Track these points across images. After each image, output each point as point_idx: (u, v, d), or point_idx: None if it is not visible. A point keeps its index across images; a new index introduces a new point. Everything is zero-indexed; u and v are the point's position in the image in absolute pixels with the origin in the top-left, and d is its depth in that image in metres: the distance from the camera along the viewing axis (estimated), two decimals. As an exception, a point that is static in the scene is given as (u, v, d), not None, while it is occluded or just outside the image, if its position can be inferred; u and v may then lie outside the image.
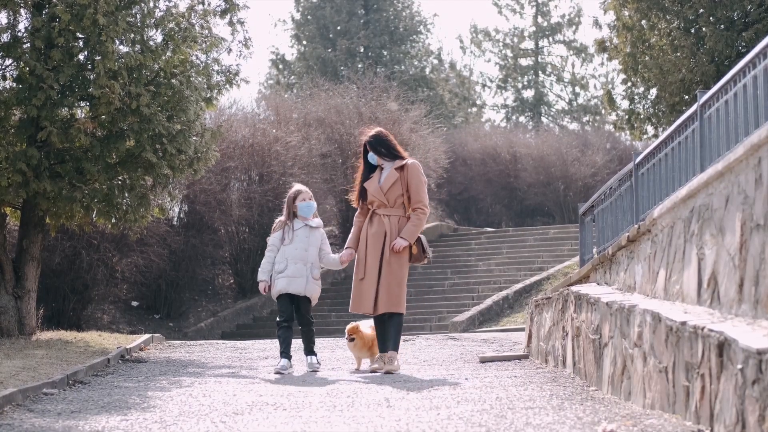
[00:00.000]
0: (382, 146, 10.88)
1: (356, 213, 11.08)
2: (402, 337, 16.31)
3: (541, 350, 11.77)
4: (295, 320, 11.04)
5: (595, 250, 13.20)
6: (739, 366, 5.32)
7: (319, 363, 11.11)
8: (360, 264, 10.76)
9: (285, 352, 10.86)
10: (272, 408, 7.99)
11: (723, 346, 5.64)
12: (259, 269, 11.14)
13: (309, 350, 11.09)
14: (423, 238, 10.86)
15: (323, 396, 8.65)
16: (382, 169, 10.92)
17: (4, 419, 7.75)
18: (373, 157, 10.90)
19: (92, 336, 15.44)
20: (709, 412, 5.89)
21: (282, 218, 11.23)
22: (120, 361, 12.47)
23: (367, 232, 10.78)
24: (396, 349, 10.72)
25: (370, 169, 10.98)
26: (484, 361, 11.88)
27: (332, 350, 13.85)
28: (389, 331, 10.72)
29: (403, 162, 10.82)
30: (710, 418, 5.87)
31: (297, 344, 11.24)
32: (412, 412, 7.46)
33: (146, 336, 15.33)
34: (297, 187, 11.37)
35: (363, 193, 10.93)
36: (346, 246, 11.03)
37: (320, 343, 14.93)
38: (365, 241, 10.76)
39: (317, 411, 7.76)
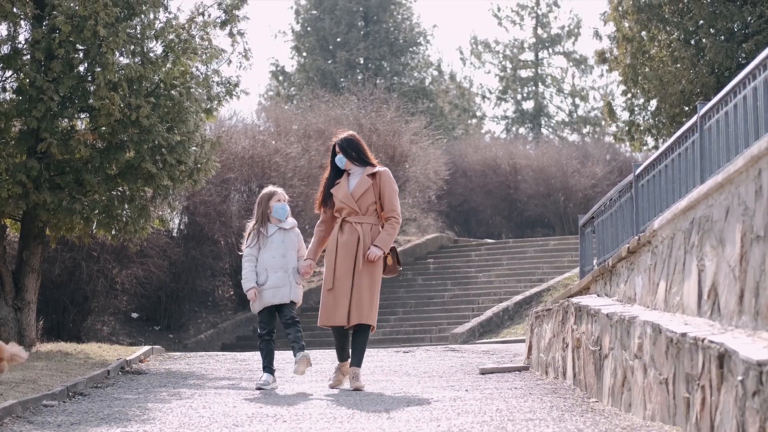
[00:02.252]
0: (353, 150, 10.34)
1: (319, 221, 10.53)
2: (402, 349, 16.33)
3: (541, 362, 11.76)
4: (280, 327, 10.53)
5: (595, 261, 13.20)
6: (740, 377, 5.31)
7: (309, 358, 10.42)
8: (329, 274, 10.19)
9: (268, 367, 10.43)
10: (272, 420, 7.98)
11: (723, 357, 5.64)
12: (243, 280, 10.64)
13: (300, 347, 10.35)
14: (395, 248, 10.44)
15: (323, 407, 8.65)
16: (348, 174, 10.38)
17: (4, 431, 7.74)
18: (341, 161, 10.32)
19: (92, 348, 15.43)
20: (709, 424, 5.89)
21: (252, 223, 10.69)
22: (120, 373, 12.45)
23: (337, 241, 10.20)
24: (360, 365, 10.21)
25: (336, 174, 10.45)
26: (484, 372, 11.87)
27: (333, 361, 13.83)
28: (357, 346, 10.17)
29: (375, 169, 10.31)
30: (711, 429, 5.86)
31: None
32: (412, 424, 7.45)
33: (146, 348, 15.31)
34: (271, 188, 10.76)
35: (327, 199, 10.40)
36: (305, 257, 10.48)
37: (319, 355, 14.93)
38: (335, 250, 10.19)
39: (317, 422, 7.75)
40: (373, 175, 10.27)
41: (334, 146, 10.41)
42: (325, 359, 14.22)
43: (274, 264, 10.47)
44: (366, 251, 10.11)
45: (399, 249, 30.32)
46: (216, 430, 7.54)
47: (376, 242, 10.14)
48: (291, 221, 10.65)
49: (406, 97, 40.76)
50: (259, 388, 10.22)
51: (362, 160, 10.36)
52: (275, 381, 10.45)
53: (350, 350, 10.33)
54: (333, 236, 10.30)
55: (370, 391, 9.92)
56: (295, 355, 10.39)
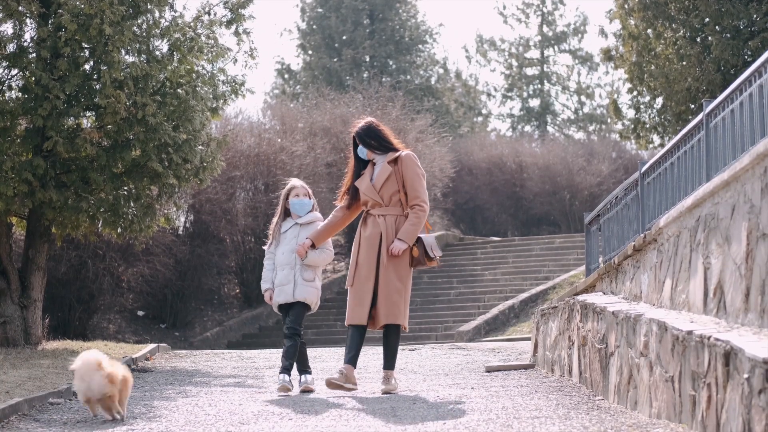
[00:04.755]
0: (372, 138, 9.70)
1: (336, 208, 9.95)
2: (408, 347, 16.33)
3: (547, 359, 11.76)
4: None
5: (601, 259, 13.18)
6: (746, 375, 5.31)
7: (291, 384, 9.78)
8: (351, 270, 9.63)
9: (303, 369, 10.05)
10: (278, 417, 7.99)
11: (729, 355, 5.63)
12: (261, 280, 10.19)
13: (284, 369, 9.79)
14: (429, 238, 9.65)
15: (329, 405, 8.65)
16: (374, 164, 9.77)
17: (10, 429, 7.76)
18: (362, 151, 9.72)
19: (98, 346, 15.44)
20: (715, 422, 5.88)
21: (275, 220, 10.23)
22: (126, 371, 12.45)
23: (360, 235, 9.62)
24: (393, 367, 9.61)
25: (361, 165, 9.84)
26: (490, 370, 11.87)
27: (339, 360, 13.84)
28: (388, 348, 9.56)
29: (397, 154, 9.66)
30: (717, 427, 5.86)
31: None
32: (418, 422, 7.46)
33: (152, 345, 15.34)
34: (291, 182, 10.26)
35: (354, 193, 9.84)
36: (307, 236, 9.86)
37: (327, 353, 14.94)
38: (358, 246, 9.60)
39: (323, 420, 7.76)
40: (394, 161, 9.66)
41: (354, 138, 9.81)
42: (331, 357, 14.22)
43: (282, 260, 9.98)
44: (389, 245, 9.51)
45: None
46: (222, 427, 7.55)
47: (400, 235, 9.47)
48: (311, 216, 10.12)
49: (412, 95, 40.76)
50: (306, 391, 9.78)
51: (384, 146, 9.74)
52: (313, 379, 10.05)
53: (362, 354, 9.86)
54: (357, 231, 9.72)
55: (374, 388, 9.90)
56: (279, 373, 9.87)
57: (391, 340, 9.57)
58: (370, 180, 9.70)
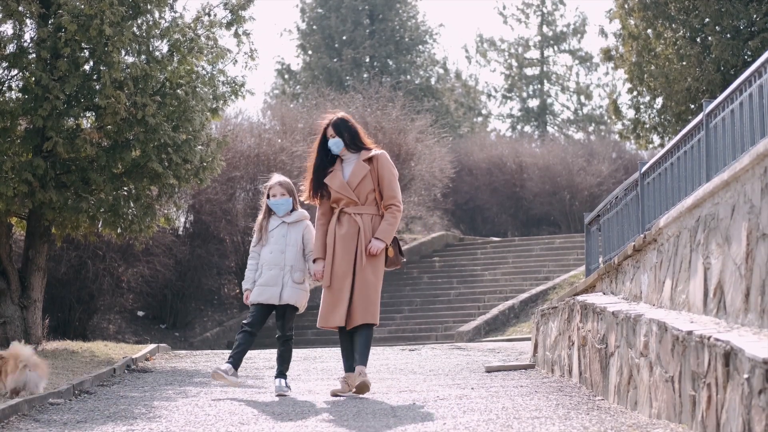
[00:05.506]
0: (347, 132, 9.50)
1: (318, 214, 9.61)
2: (408, 347, 16.32)
3: (547, 360, 11.76)
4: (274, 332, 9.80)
5: (601, 259, 13.18)
6: (746, 375, 5.31)
7: (288, 387, 9.67)
8: (327, 270, 9.42)
9: (234, 357, 9.72)
10: (278, 417, 7.99)
11: (729, 355, 5.64)
12: (244, 279, 9.99)
13: (280, 373, 9.70)
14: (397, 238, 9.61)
15: (329, 406, 8.65)
16: (342, 161, 9.56)
17: (10, 429, 7.76)
18: (338, 144, 9.48)
19: (98, 346, 15.45)
20: (715, 422, 5.88)
21: (259, 218, 9.94)
22: (126, 371, 12.47)
23: (335, 234, 9.40)
24: (366, 363, 9.38)
25: (326, 160, 9.61)
26: (490, 370, 11.87)
27: (338, 360, 13.84)
28: (361, 343, 9.36)
29: (371, 153, 9.48)
30: (717, 427, 5.86)
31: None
32: (418, 422, 7.46)
33: (152, 346, 15.33)
34: (272, 179, 9.97)
35: (320, 189, 9.57)
36: (314, 257, 9.56)
37: (327, 353, 14.94)
38: (333, 244, 9.39)
39: (323, 420, 7.76)
40: (369, 160, 9.47)
41: (325, 129, 9.56)
42: (331, 357, 14.22)
43: (269, 260, 9.72)
44: (367, 244, 9.35)
45: (405, 247, 30.23)
46: (222, 428, 7.55)
47: (377, 234, 9.35)
48: (297, 215, 9.89)
49: (412, 96, 40.75)
50: (216, 374, 9.60)
51: (356, 144, 9.54)
52: (236, 375, 9.72)
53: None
54: (330, 228, 9.48)
55: (375, 389, 9.90)
56: (276, 379, 9.74)
57: (365, 336, 9.39)
58: (344, 178, 9.48)
